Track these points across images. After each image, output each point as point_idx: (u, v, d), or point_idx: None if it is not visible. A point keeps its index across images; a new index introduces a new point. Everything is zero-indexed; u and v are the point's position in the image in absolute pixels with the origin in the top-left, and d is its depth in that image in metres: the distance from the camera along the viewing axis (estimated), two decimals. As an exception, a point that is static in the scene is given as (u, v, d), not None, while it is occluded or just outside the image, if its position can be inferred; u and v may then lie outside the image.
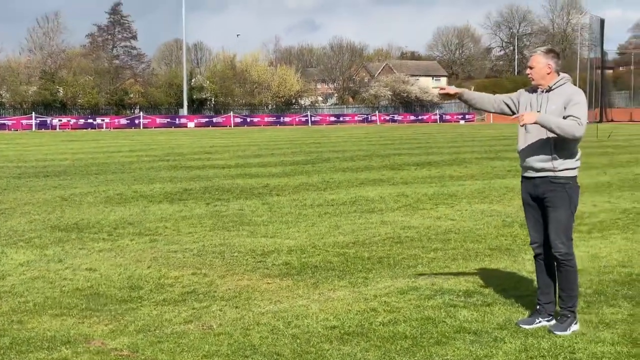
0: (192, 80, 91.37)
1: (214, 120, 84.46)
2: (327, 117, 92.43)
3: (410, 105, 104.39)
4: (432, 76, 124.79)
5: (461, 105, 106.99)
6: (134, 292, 7.71)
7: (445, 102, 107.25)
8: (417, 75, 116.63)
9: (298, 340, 6.08)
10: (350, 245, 10.20)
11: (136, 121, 79.01)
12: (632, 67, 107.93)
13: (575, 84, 6.47)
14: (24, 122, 73.10)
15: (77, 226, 11.92)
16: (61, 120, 74.76)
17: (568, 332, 6.17)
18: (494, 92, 7.18)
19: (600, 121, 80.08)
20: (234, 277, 8.33)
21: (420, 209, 13.61)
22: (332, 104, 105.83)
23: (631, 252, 9.49)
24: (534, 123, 6.16)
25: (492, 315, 6.72)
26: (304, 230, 11.40)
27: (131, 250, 9.92)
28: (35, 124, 72.55)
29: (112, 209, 13.84)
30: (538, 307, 6.49)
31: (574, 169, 6.31)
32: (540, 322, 6.37)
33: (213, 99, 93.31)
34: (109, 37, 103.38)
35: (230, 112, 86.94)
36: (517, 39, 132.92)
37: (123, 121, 78.59)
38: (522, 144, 6.42)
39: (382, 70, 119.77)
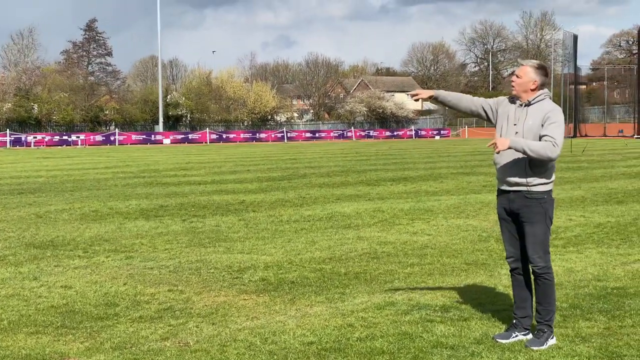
0: (168, 97, 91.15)
1: (190, 136, 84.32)
2: (303, 133, 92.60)
3: (386, 121, 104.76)
4: (407, 92, 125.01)
5: (436, 121, 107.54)
6: (110, 309, 7.66)
7: (421, 117, 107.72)
8: (392, 91, 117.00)
9: (275, 357, 6.06)
10: (327, 260, 10.19)
11: (112, 138, 78.67)
12: (605, 83, 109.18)
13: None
14: (-2, 139, 72.69)
15: (52, 243, 11.83)
16: (36, 137, 74.17)
17: (545, 347, 6.19)
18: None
19: (574, 136, 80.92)
20: (210, 294, 8.30)
21: (397, 225, 13.63)
22: (307, 120, 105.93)
23: (606, 266, 9.55)
24: (508, 148, 6.20)
25: (469, 329, 6.73)
26: (280, 246, 11.38)
27: (107, 267, 9.86)
28: (10, 141, 71.92)
29: (87, 226, 13.75)
30: (514, 321, 6.52)
31: (549, 183, 6.34)
32: (516, 336, 6.40)
33: (189, 115, 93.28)
34: (84, 53, 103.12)
35: (206, 128, 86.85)
36: (492, 54, 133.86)
37: (98, 138, 78.20)
38: (497, 158, 6.46)
39: (357, 86, 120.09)
